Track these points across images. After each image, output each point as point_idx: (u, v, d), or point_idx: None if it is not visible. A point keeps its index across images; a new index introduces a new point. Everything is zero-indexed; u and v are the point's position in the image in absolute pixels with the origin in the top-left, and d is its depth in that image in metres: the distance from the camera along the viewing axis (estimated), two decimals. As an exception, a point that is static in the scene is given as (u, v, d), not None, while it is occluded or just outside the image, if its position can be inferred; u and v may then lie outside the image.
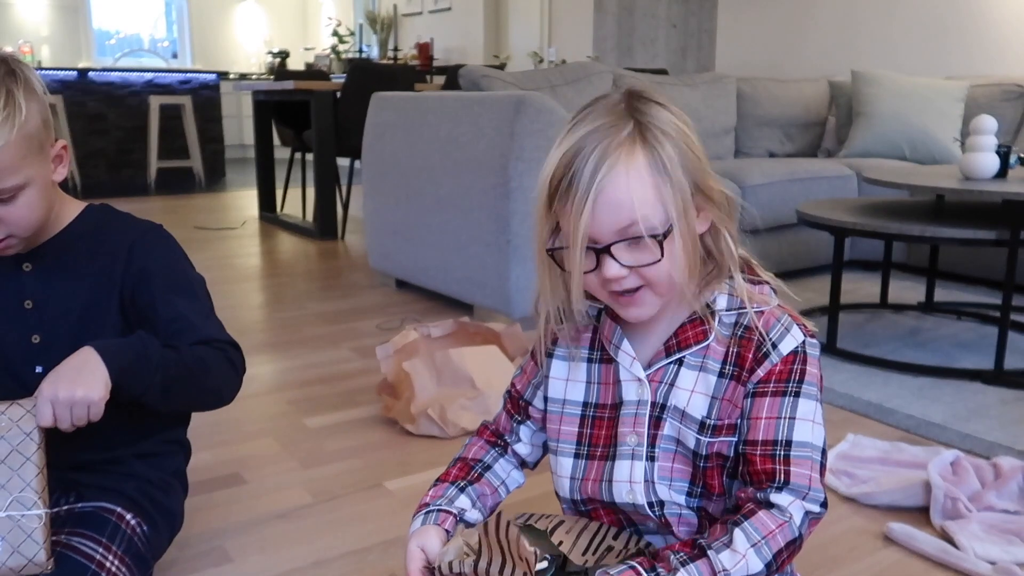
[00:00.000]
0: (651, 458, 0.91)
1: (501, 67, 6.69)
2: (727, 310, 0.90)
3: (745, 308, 0.89)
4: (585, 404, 0.96)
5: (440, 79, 5.88)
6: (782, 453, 0.85)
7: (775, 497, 0.84)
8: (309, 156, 4.58)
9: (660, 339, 0.92)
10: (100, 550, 1.05)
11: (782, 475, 0.85)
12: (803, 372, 0.87)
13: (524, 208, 2.55)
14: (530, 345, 1.05)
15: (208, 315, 1.18)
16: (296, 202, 5.07)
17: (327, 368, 2.28)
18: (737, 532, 0.82)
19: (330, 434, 1.84)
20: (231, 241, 4.22)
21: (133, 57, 8.42)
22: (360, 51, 8.67)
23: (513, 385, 1.06)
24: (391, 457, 1.73)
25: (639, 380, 0.91)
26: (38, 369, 1.11)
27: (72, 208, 1.17)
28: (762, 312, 0.89)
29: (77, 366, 0.99)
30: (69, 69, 6.60)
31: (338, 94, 4.19)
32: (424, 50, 7.78)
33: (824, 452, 0.87)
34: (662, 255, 0.83)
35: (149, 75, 6.89)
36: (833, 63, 4.84)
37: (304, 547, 1.39)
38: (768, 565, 0.81)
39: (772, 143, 3.97)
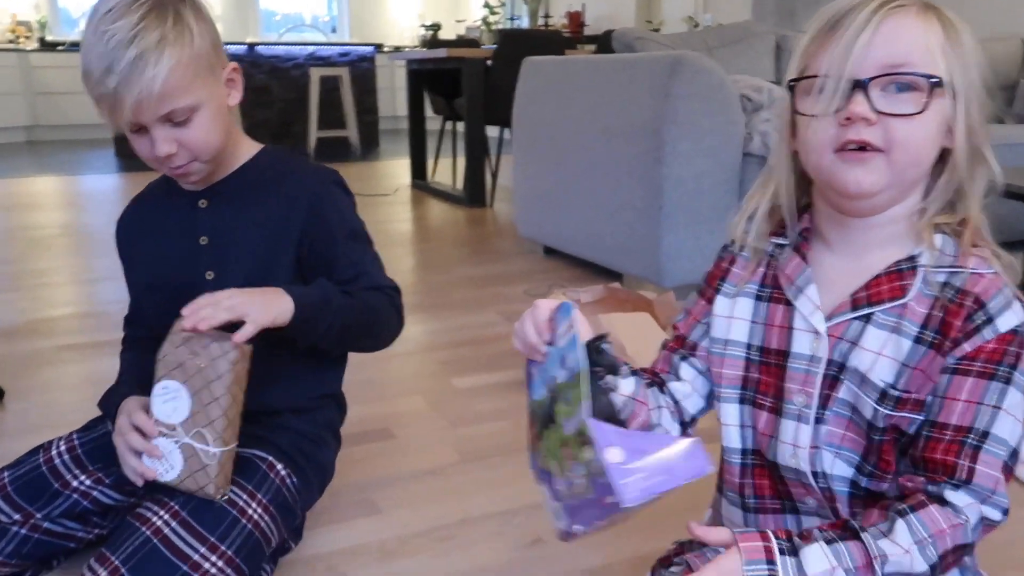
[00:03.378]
0: (819, 420, 0.81)
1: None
2: (937, 267, 0.77)
3: (960, 268, 0.76)
4: (749, 346, 0.87)
5: (591, 47, 5.78)
6: (972, 444, 0.73)
7: (951, 495, 0.73)
8: (460, 127, 4.62)
9: (848, 288, 0.80)
10: (244, 496, 1.07)
11: (964, 471, 0.73)
12: (1019, 356, 0.74)
13: (678, 173, 2.45)
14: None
15: (377, 263, 1.21)
16: (447, 171, 5.15)
17: (475, 331, 2.29)
18: (900, 523, 0.71)
19: (478, 395, 1.84)
20: (384, 207, 4.33)
21: (296, 32, 8.79)
22: (511, 20, 8.67)
23: (676, 328, 0.96)
24: (537, 421, 1.71)
25: (816, 333, 0.81)
26: None
27: (248, 147, 1.18)
28: (980, 276, 0.76)
29: (269, 294, 1.02)
30: (239, 43, 6.97)
31: (489, 62, 4.19)
32: (575, 18, 7.68)
33: (1016, 454, 0.75)
34: (924, 108, 0.73)
35: (310, 48, 7.18)
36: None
37: (451, 504, 1.39)
38: (933, 567, 0.71)
39: (952, 108, 3.65)
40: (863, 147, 0.74)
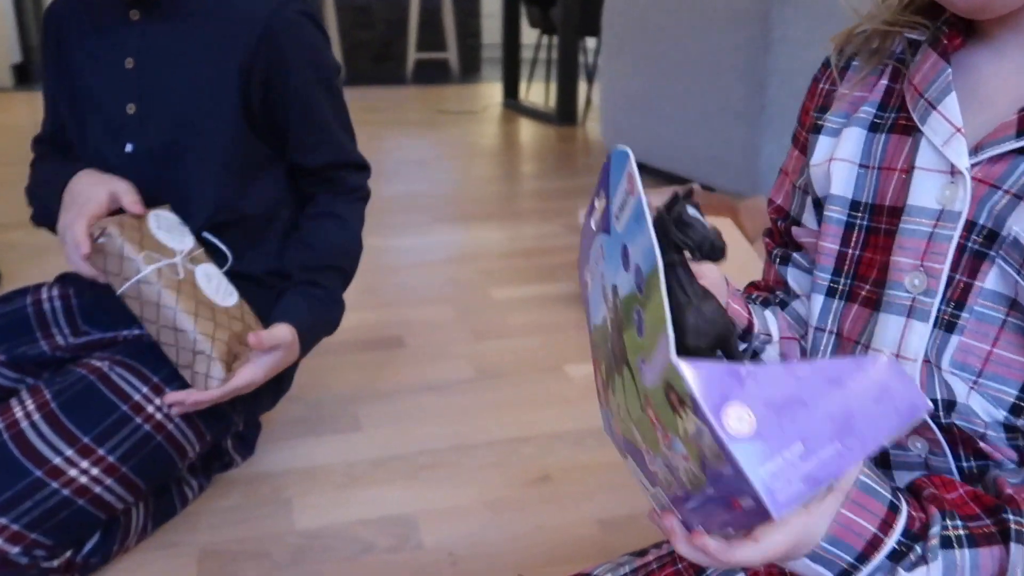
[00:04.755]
0: (950, 325, 0.47)
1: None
2: None
3: None
4: (855, 204, 0.53)
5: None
6: None
7: None
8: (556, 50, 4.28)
9: (1016, 103, 0.46)
10: (144, 389, 0.83)
11: None
12: None
13: (786, 66, 2.06)
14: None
15: (345, 119, 0.99)
16: (541, 92, 4.82)
17: (531, 242, 1.99)
18: None
19: (515, 308, 1.55)
20: (470, 125, 4.05)
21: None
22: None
23: (771, 202, 0.63)
24: (580, 339, 1.41)
25: (951, 172, 0.46)
26: (128, 147, 0.88)
27: None
28: None
29: (282, 361, 0.87)
30: (340, -40, 6.77)
31: (588, -35, 3.80)
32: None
33: None
34: None
35: (413, -34, 6.91)
36: None
37: (448, 426, 1.11)
38: None
39: None
40: None
